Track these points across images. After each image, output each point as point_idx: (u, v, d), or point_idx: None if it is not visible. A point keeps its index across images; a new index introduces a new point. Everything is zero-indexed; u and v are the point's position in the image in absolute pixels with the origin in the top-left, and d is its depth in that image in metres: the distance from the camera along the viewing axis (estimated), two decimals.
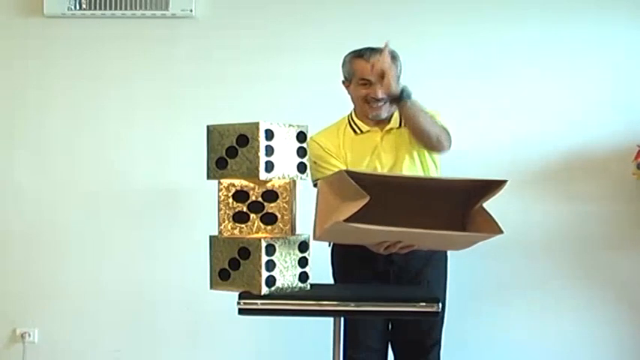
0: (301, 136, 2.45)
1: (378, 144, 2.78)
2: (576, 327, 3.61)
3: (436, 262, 2.83)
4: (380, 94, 2.70)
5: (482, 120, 3.59)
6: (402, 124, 2.77)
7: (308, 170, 2.49)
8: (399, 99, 2.62)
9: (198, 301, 3.63)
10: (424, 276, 2.78)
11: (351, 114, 2.87)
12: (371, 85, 2.72)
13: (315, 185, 2.75)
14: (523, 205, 3.58)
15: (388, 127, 2.80)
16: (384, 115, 2.77)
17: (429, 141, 2.69)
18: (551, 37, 3.59)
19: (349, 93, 2.84)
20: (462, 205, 2.43)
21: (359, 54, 2.76)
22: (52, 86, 3.75)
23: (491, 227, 2.33)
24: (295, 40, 3.67)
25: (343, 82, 2.85)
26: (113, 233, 3.74)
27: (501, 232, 2.32)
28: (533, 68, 3.59)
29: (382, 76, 2.60)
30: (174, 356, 3.74)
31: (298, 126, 2.45)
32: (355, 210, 2.18)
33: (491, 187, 2.32)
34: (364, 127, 2.81)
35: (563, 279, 3.61)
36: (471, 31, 3.61)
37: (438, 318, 2.46)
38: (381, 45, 2.70)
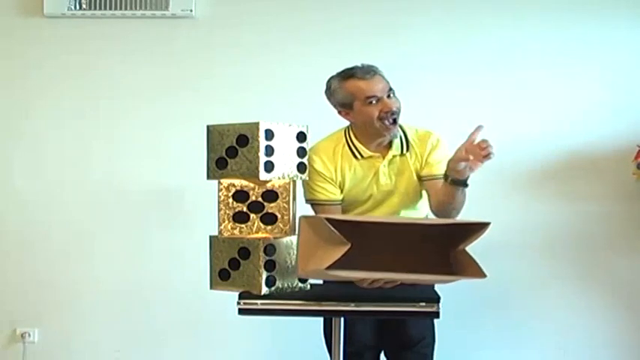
0: (301, 136, 2.45)
1: (379, 170, 2.66)
2: (575, 326, 3.61)
3: None
4: (394, 106, 2.57)
5: (483, 120, 3.54)
6: (405, 150, 2.68)
7: (307, 173, 2.49)
8: (463, 184, 2.47)
9: (198, 301, 3.63)
10: None
11: (348, 134, 2.70)
12: (379, 100, 2.57)
13: (306, 201, 2.72)
14: (523, 205, 3.58)
15: (391, 154, 2.66)
16: (398, 134, 2.64)
17: (446, 215, 2.58)
18: (552, 37, 3.59)
19: (354, 120, 2.66)
20: (446, 245, 2.38)
21: (347, 75, 2.61)
22: (52, 86, 3.75)
23: (474, 271, 2.29)
24: (295, 40, 3.66)
25: (340, 112, 2.67)
26: (113, 233, 3.74)
27: (484, 275, 2.29)
28: (533, 68, 3.58)
29: (486, 157, 2.44)
30: (174, 356, 3.74)
31: (298, 126, 2.45)
32: (337, 257, 2.15)
33: (474, 228, 2.29)
34: (365, 153, 2.66)
35: (563, 279, 3.60)
36: (471, 31, 3.61)
37: (438, 318, 2.45)
38: (358, 59, 2.66)
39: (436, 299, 2.38)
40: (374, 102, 2.58)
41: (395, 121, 2.61)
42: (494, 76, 3.59)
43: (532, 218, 3.59)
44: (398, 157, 2.67)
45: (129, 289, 3.73)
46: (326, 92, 2.69)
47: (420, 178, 2.68)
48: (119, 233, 3.73)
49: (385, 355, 2.95)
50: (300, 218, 2.31)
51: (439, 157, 2.67)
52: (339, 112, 2.69)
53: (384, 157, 2.67)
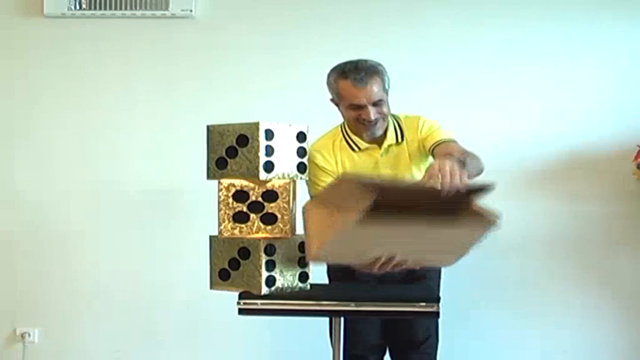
0: (301, 136, 2.45)
1: (378, 160, 2.71)
2: (575, 326, 3.61)
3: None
4: (372, 116, 2.61)
5: (483, 120, 3.58)
6: (400, 139, 2.72)
7: (307, 173, 2.49)
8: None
9: (198, 301, 3.63)
10: (420, 272, 2.72)
11: (344, 127, 2.77)
12: (361, 108, 2.62)
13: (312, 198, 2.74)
14: (523, 205, 3.58)
15: (386, 143, 2.72)
16: (379, 132, 2.69)
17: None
18: (552, 37, 3.59)
19: (339, 110, 2.74)
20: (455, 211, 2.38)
21: (343, 74, 2.63)
22: (52, 86, 3.75)
23: (484, 219, 2.27)
24: (295, 39, 3.67)
25: (332, 100, 2.74)
26: (113, 233, 3.74)
27: (496, 219, 2.28)
28: (533, 68, 3.58)
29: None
30: (174, 356, 3.74)
31: (298, 126, 2.45)
32: (365, 208, 2.13)
33: (479, 190, 2.29)
34: (362, 145, 2.73)
35: (563, 279, 3.61)
36: (471, 31, 3.61)
37: (437, 318, 2.45)
38: (361, 54, 2.68)
39: (436, 299, 2.38)
40: (357, 108, 2.62)
41: (375, 123, 2.63)
42: (494, 76, 3.59)
43: (532, 218, 3.59)
44: (394, 146, 2.71)
45: (129, 289, 3.73)
46: (326, 80, 2.73)
47: (430, 153, 2.67)
48: (119, 233, 3.73)
49: (390, 355, 2.95)
50: (305, 205, 2.30)
51: (431, 127, 2.70)
52: (332, 101, 2.74)
53: (380, 147, 2.72)
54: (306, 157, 2.48)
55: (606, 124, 3.56)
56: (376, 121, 2.63)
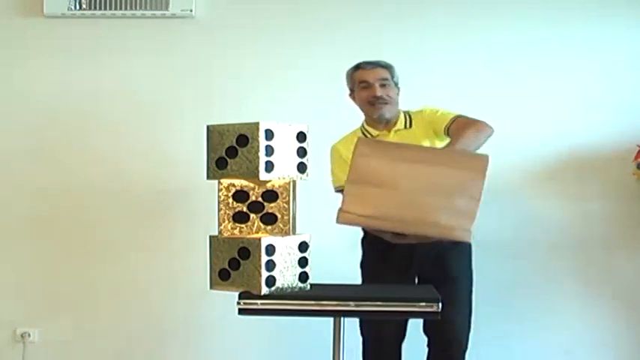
0: (301, 136, 2.45)
1: None
2: (575, 326, 3.61)
3: (459, 253, 2.92)
4: (378, 92, 2.88)
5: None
6: (408, 125, 2.95)
7: (308, 170, 2.50)
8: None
9: (198, 301, 3.63)
10: (447, 262, 2.90)
11: (362, 123, 3.02)
12: (370, 86, 2.91)
13: (337, 191, 2.94)
14: (523, 205, 3.58)
15: (395, 128, 2.95)
16: (387, 114, 2.93)
17: None
18: (552, 37, 3.59)
19: (356, 103, 3.00)
20: None
21: (356, 66, 2.98)
22: (52, 86, 3.75)
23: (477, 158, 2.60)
24: (295, 40, 3.67)
25: (350, 95, 3.02)
26: (113, 233, 3.73)
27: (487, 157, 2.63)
28: (533, 68, 3.58)
29: None
30: (174, 356, 3.74)
31: (298, 126, 2.46)
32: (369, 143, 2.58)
33: None
34: (374, 132, 2.97)
35: (563, 278, 3.60)
36: (471, 31, 3.61)
37: (438, 317, 2.45)
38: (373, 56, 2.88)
39: (435, 299, 2.38)
40: (365, 86, 2.92)
41: (384, 102, 2.89)
42: (494, 77, 3.59)
43: (532, 218, 3.59)
44: (403, 131, 2.94)
45: (129, 288, 3.73)
46: (345, 78, 3.04)
47: (446, 134, 2.89)
48: (119, 233, 3.73)
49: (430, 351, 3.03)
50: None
51: (433, 111, 2.95)
52: (350, 95, 3.03)
53: (389, 132, 2.94)
54: (306, 157, 2.49)
55: (606, 124, 3.56)
56: (383, 100, 2.89)
